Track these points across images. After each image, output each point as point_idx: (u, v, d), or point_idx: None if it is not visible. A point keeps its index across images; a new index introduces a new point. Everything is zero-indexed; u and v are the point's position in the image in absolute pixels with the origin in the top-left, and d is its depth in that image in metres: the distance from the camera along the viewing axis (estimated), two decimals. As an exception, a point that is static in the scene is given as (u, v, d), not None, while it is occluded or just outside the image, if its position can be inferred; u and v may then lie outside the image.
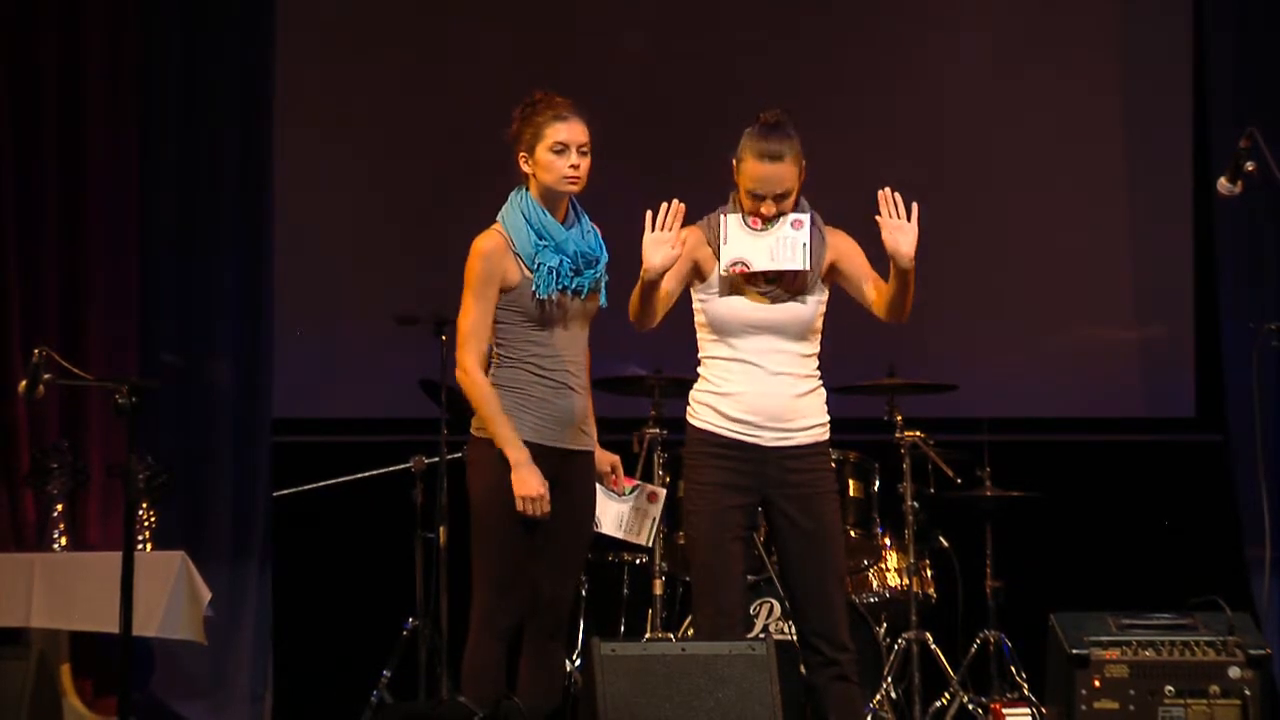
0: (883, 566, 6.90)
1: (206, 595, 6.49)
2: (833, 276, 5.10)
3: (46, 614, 6.46)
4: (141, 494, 6.53)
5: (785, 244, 4.95)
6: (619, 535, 5.41)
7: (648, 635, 6.47)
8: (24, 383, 5.63)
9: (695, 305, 5.12)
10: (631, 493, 5.38)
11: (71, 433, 6.93)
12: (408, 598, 6.73)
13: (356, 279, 7.71)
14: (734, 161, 5.05)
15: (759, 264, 4.96)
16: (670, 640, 6.11)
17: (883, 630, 6.60)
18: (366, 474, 7.01)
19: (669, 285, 4.97)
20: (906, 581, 6.75)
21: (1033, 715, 6.42)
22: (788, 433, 5.03)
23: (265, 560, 7.15)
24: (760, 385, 5.02)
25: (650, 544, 5.75)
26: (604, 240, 5.16)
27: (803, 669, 5.07)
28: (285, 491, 7.14)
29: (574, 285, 5.03)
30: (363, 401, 7.68)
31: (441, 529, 6.60)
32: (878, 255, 5.01)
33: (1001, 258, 7.84)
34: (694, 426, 5.10)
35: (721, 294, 5.03)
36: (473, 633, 5.02)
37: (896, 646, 6.64)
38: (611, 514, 5.37)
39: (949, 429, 7.07)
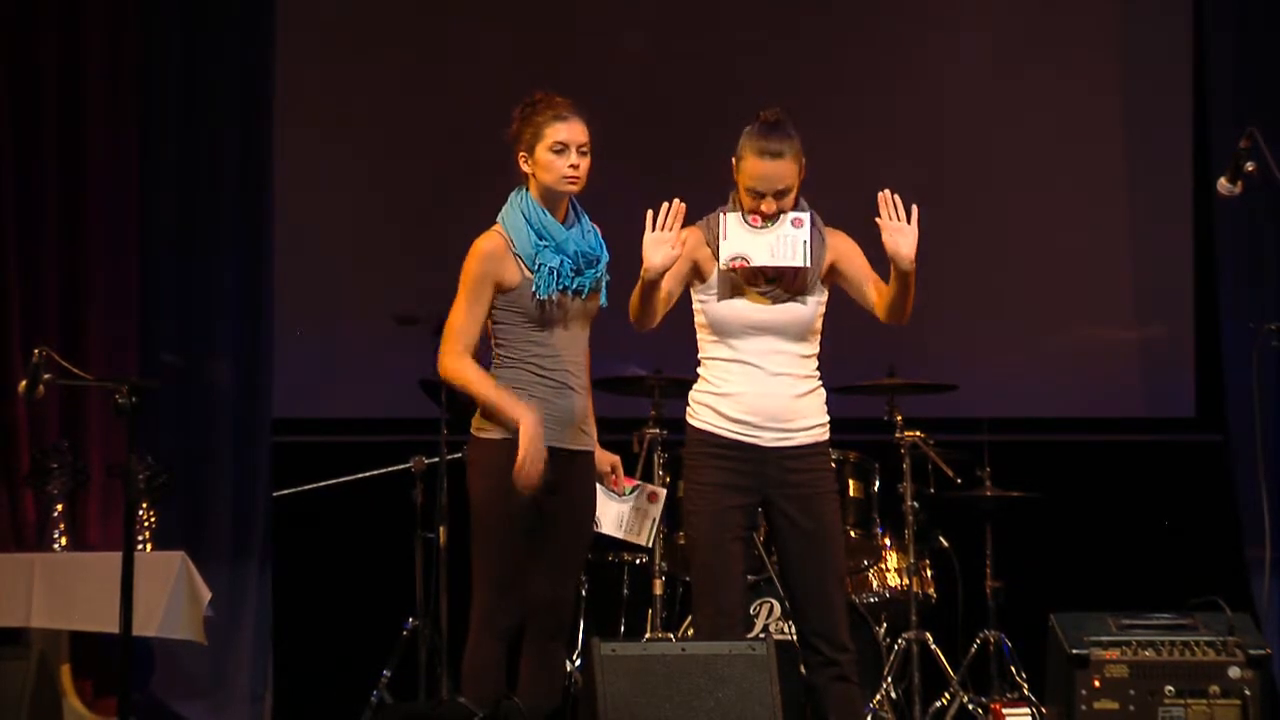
0: (883, 566, 6.90)
1: (206, 595, 6.49)
2: (832, 277, 5.10)
3: (46, 614, 6.46)
4: (141, 494, 6.53)
5: (785, 241, 4.96)
6: (619, 535, 5.41)
7: (648, 635, 6.47)
8: (24, 383, 5.63)
9: (695, 306, 5.12)
10: (631, 493, 5.38)
11: (71, 433, 6.93)
12: (408, 598, 6.73)
13: (356, 279, 7.71)
14: (734, 160, 5.05)
15: (759, 259, 4.96)
16: (670, 640, 6.11)
17: (883, 630, 6.60)
18: (366, 474, 7.01)
19: (669, 285, 4.97)
20: (906, 581, 6.75)
21: (1033, 715, 6.41)
22: (787, 433, 5.03)
23: (265, 560, 7.15)
24: (760, 386, 5.02)
25: (650, 544, 5.75)
26: (604, 240, 5.16)
27: (803, 669, 5.07)
28: (285, 491, 7.14)
29: (574, 285, 5.03)
30: (363, 401, 7.68)
31: (441, 529, 6.60)
32: (878, 256, 5.01)
33: (1001, 258, 7.84)
34: (694, 427, 5.10)
35: (721, 296, 5.04)
36: (473, 633, 5.02)
37: (896, 646, 6.64)
38: (611, 514, 5.37)
39: (949, 429, 7.07)
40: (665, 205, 4.87)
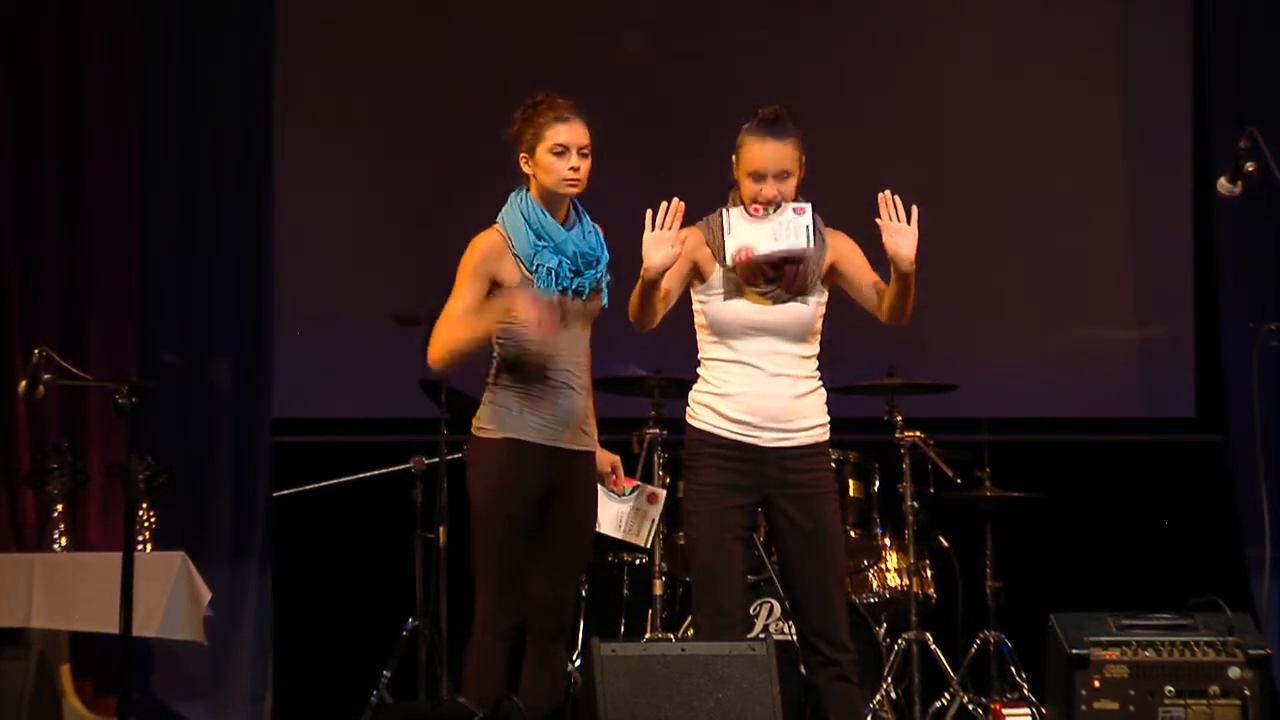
0: (883, 567, 6.90)
1: (206, 595, 6.49)
2: (832, 278, 5.10)
3: (46, 614, 6.46)
4: (141, 494, 6.53)
5: (787, 227, 4.94)
6: (617, 536, 5.41)
7: (648, 635, 6.47)
8: (24, 383, 5.63)
9: (695, 307, 5.12)
10: (631, 493, 5.38)
11: (71, 433, 6.94)
12: (408, 598, 6.73)
13: (356, 279, 7.71)
14: (733, 157, 5.05)
15: (763, 248, 4.94)
16: (670, 640, 6.11)
17: (883, 630, 6.60)
18: (366, 474, 7.01)
19: (668, 285, 4.97)
20: (906, 581, 6.75)
21: (1033, 715, 6.41)
22: (787, 433, 5.03)
23: (265, 560, 7.15)
24: (760, 386, 5.02)
25: (648, 545, 5.75)
26: (605, 240, 5.16)
27: (803, 669, 5.07)
28: (285, 491, 7.14)
29: (574, 286, 5.02)
30: (363, 401, 7.68)
31: (441, 529, 6.60)
32: (878, 257, 5.01)
33: (1001, 258, 7.84)
34: (693, 427, 5.10)
35: (726, 296, 5.03)
36: (475, 634, 5.01)
37: (896, 647, 6.64)
38: (611, 514, 5.37)
39: (949, 429, 7.07)
40: (664, 204, 4.87)
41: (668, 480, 6.53)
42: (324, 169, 7.75)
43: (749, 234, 4.95)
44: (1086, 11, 7.94)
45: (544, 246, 5.00)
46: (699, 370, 5.14)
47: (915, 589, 6.73)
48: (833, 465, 5.23)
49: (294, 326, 7.50)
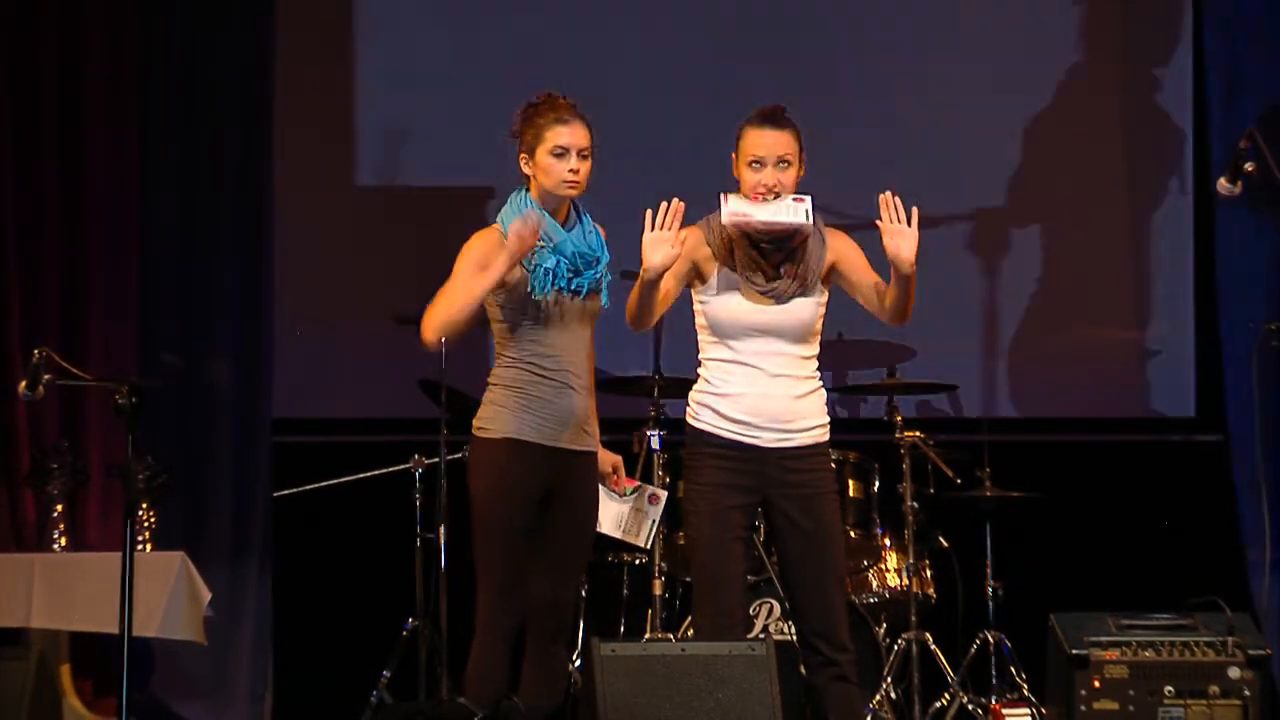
0: (882, 567, 6.90)
1: (206, 595, 6.49)
2: (833, 278, 5.11)
3: (46, 614, 6.46)
4: (141, 494, 6.52)
5: (787, 208, 4.94)
6: (618, 536, 5.41)
7: (648, 635, 6.47)
8: (24, 383, 5.63)
9: (695, 307, 5.12)
10: (632, 494, 5.38)
11: (71, 433, 6.93)
12: (408, 598, 6.73)
13: (356, 279, 7.71)
14: (733, 155, 5.05)
15: (761, 216, 4.93)
16: (670, 640, 6.11)
17: (882, 630, 6.60)
18: (366, 474, 7.00)
19: (667, 285, 4.97)
20: (906, 582, 6.75)
21: (1032, 716, 6.41)
22: (788, 434, 5.04)
23: (265, 560, 7.15)
24: (760, 387, 5.02)
25: (649, 545, 5.76)
26: (605, 240, 5.16)
27: (802, 669, 5.07)
28: (285, 491, 7.14)
29: (573, 286, 5.02)
30: (363, 401, 7.68)
31: (441, 529, 6.59)
32: (877, 257, 5.01)
33: (1001, 258, 7.83)
34: (694, 427, 5.10)
35: (726, 297, 5.03)
36: (477, 634, 5.01)
37: (896, 647, 6.64)
38: (611, 514, 5.38)
39: (949, 429, 7.07)
40: (664, 205, 4.87)
41: (667, 480, 6.53)
42: (324, 169, 7.75)
43: (747, 206, 4.95)
44: (1086, 12, 7.94)
45: (542, 247, 5.00)
46: (699, 370, 5.14)
47: (915, 589, 6.73)
48: (833, 465, 5.23)
49: (294, 326, 7.49)
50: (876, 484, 6.84)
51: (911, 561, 6.74)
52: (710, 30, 7.81)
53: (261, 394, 7.19)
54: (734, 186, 5.06)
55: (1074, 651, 5.76)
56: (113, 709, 6.62)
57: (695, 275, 5.07)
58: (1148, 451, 7.78)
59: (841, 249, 5.10)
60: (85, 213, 7.09)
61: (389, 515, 6.88)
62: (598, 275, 5.07)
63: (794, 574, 5.08)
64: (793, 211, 4.92)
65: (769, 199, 4.96)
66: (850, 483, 6.78)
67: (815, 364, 5.11)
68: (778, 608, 6.39)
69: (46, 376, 5.61)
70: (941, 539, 7.02)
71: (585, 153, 5.04)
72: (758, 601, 6.41)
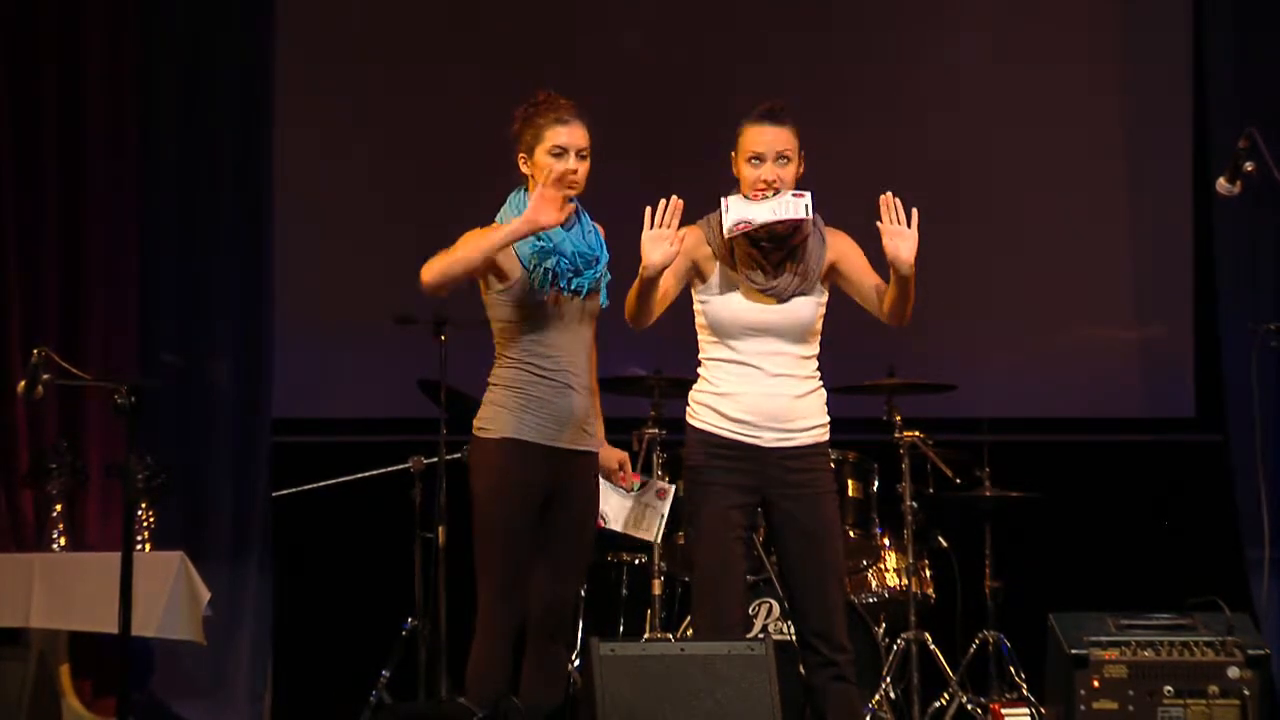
0: (882, 566, 6.90)
1: (206, 595, 6.49)
2: (833, 277, 5.11)
3: (46, 614, 6.46)
4: (140, 494, 6.53)
5: (787, 204, 4.94)
6: (628, 532, 5.42)
7: (647, 635, 6.47)
8: (23, 383, 5.63)
9: (696, 307, 5.12)
10: (639, 489, 5.38)
11: (70, 433, 6.93)
12: (407, 598, 6.73)
13: (356, 279, 7.71)
14: (732, 154, 5.05)
15: (761, 218, 4.93)
16: (670, 640, 6.11)
17: (882, 630, 6.60)
18: (366, 474, 7.00)
19: (667, 284, 4.97)
20: (905, 581, 6.75)
21: (1032, 715, 6.42)
22: (788, 433, 5.04)
23: (265, 560, 7.15)
24: (760, 387, 5.03)
25: (657, 539, 5.75)
26: (605, 240, 5.15)
27: (801, 669, 5.07)
28: (285, 491, 7.14)
29: (573, 286, 5.02)
30: (362, 401, 7.68)
31: (441, 529, 6.60)
32: (877, 257, 5.01)
33: (1001, 258, 7.83)
34: (694, 427, 5.10)
35: (726, 296, 5.03)
36: (477, 634, 5.01)
37: (896, 647, 6.64)
38: (619, 510, 5.38)
39: (949, 429, 7.07)
40: (663, 202, 4.87)
41: (666, 480, 6.53)
42: (324, 169, 7.75)
43: (747, 210, 4.95)
44: (1086, 11, 7.94)
45: (543, 246, 5.00)
46: (699, 370, 5.14)
47: (914, 589, 6.73)
48: (832, 465, 5.23)
49: (294, 326, 7.48)
50: (876, 484, 6.84)
51: (911, 561, 6.74)
52: (711, 30, 7.81)
53: (261, 394, 7.19)
54: (733, 186, 5.06)
55: (1073, 651, 5.76)
56: (112, 709, 6.63)
57: (695, 274, 5.07)
58: (1148, 451, 7.79)
59: (842, 248, 5.10)
60: (85, 213, 7.09)
61: (388, 515, 6.88)
62: (597, 275, 5.07)
63: (793, 574, 5.08)
64: (793, 207, 4.93)
65: (768, 195, 4.96)
66: (850, 482, 6.78)
67: (815, 364, 5.11)
68: (777, 608, 6.39)
69: (46, 376, 5.61)
70: (941, 539, 7.03)
71: (584, 153, 5.03)
72: (757, 601, 6.41)
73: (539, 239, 4.99)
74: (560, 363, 5.03)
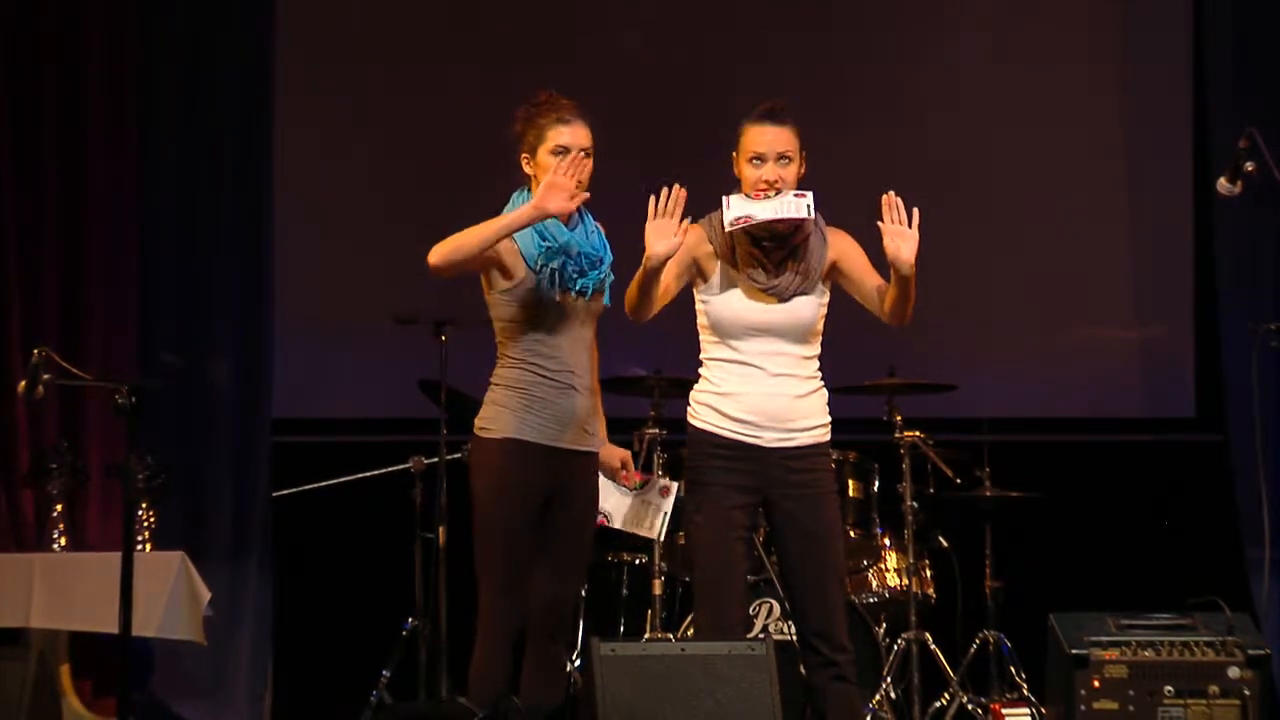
0: (882, 566, 6.90)
1: (206, 595, 6.49)
2: (834, 277, 5.11)
3: (46, 614, 6.46)
4: (140, 494, 6.53)
5: (788, 203, 4.94)
6: (631, 530, 5.42)
7: (647, 635, 6.47)
8: (23, 383, 5.63)
9: (697, 307, 5.12)
10: (642, 487, 5.39)
11: (71, 433, 6.93)
12: (407, 598, 6.73)
13: (356, 279, 7.71)
14: (733, 154, 5.05)
15: (762, 215, 4.93)
16: (670, 640, 6.11)
17: (882, 630, 6.60)
18: (366, 474, 7.00)
19: (668, 281, 4.96)
20: (906, 581, 6.75)
21: (1032, 715, 6.42)
22: (789, 433, 5.04)
23: (265, 560, 7.15)
24: (761, 387, 5.02)
25: (660, 537, 5.75)
26: (607, 240, 5.15)
27: (802, 669, 5.07)
28: (285, 491, 7.14)
29: (578, 286, 5.02)
30: (362, 401, 7.68)
31: (441, 529, 6.60)
32: (878, 257, 5.01)
33: (1001, 258, 7.83)
34: (695, 427, 5.10)
35: (727, 296, 5.02)
36: (478, 634, 5.01)
37: (896, 647, 6.64)
38: (622, 508, 5.38)
39: (949, 429, 7.07)
40: (665, 191, 4.86)
41: (667, 479, 6.52)
42: (324, 169, 7.75)
43: (748, 206, 4.95)
44: (1086, 12, 7.94)
45: (548, 247, 4.99)
46: (700, 370, 5.14)
47: (915, 589, 6.73)
48: (833, 465, 5.23)
49: (294, 326, 7.48)
50: (876, 484, 6.85)
51: (911, 561, 6.74)
52: (711, 30, 7.81)
53: (261, 394, 7.19)
54: (735, 186, 5.06)
55: (1074, 651, 5.76)
56: (112, 709, 6.63)
57: (697, 273, 5.07)
58: (1148, 451, 7.79)
59: (843, 248, 5.10)
60: (85, 213, 7.09)
61: (389, 515, 6.88)
62: (602, 275, 5.07)
63: (794, 574, 5.08)
64: (794, 206, 4.93)
65: (769, 195, 4.96)
66: (850, 482, 6.78)
67: (817, 364, 5.11)
68: (777, 607, 6.39)
69: (46, 376, 5.61)
70: (941, 539, 7.03)
71: (587, 152, 5.03)
72: (757, 601, 6.41)
73: (543, 239, 4.98)
74: (563, 363, 5.03)
